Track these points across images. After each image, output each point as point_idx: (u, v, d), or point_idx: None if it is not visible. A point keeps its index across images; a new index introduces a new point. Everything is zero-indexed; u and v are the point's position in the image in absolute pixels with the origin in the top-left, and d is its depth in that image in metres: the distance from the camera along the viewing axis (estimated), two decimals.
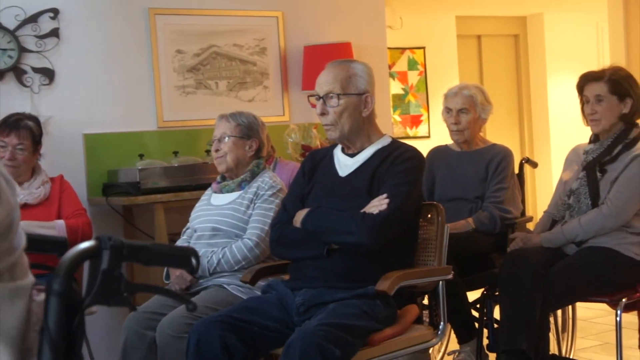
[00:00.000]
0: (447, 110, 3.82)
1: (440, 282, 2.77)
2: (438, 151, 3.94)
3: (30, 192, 3.58)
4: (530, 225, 3.98)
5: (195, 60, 4.59)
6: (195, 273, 2.94)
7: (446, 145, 3.96)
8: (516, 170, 3.90)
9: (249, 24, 4.75)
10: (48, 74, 4.19)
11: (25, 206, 3.56)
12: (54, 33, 4.21)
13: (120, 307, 1.23)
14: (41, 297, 1.31)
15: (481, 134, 3.92)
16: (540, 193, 7.44)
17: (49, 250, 1.67)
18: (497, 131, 7.06)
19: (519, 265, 3.11)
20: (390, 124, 5.49)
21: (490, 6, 7.17)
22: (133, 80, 4.42)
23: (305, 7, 4.96)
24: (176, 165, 4.21)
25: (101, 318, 4.11)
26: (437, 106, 6.40)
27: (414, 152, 2.73)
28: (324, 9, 5.02)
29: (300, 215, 2.69)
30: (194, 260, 1.26)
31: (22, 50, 4.13)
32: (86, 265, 1.27)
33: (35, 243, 1.67)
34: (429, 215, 2.85)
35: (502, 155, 3.73)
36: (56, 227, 3.48)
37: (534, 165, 4.16)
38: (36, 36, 4.17)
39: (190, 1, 4.59)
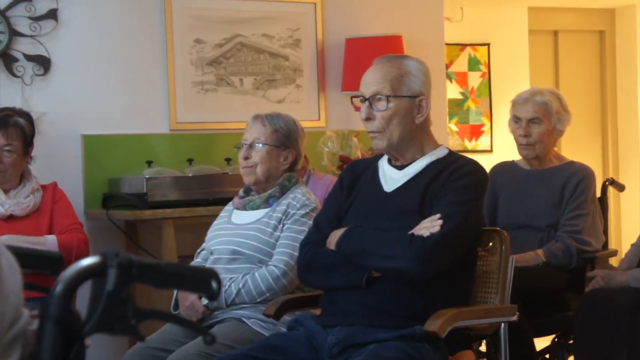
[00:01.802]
0: (516, 119, 3.81)
1: (502, 324, 2.76)
2: (503, 168, 3.93)
3: (18, 201, 3.64)
4: (614, 261, 3.94)
5: (216, 52, 4.64)
6: (216, 299, 2.96)
7: (513, 161, 3.94)
8: (598, 194, 3.88)
9: (281, 10, 4.80)
10: (43, 63, 4.27)
11: (11, 218, 3.61)
12: (52, 15, 4.29)
13: (124, 337, 1.25)
14: (35, 324, 1.34)
15: (555, 149, 3.91)
16: (627, 222, 7.36)
17: (40, 267, 1.70)
18: (575, 146, 7.01)
19: (600, 309, 3.09)
20: (445, 135, 5.49)
21: None
22: (142, 74, 4.48)
23: None
24: (190, 175, 4.25)
25: (96, 351, 4.13)
26: (502, 115, 6.38)
27: (475, 166, 2.73)
28: None
29: (335, 236, 2.70)
30: (214, 284, 1.28)
31: (14, 33, 4.21)
32: (84, 287, 1.29)
33: (25, 259, 1.70)
34: (491, 244, 2.84)
35: (581, 175, 3.71)
36: (46, 243, 3.52)
37: (620, 188, 4.12)
38: (30, 18, 4.25)
39: None
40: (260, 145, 3.18)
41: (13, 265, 1.34)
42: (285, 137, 3.20)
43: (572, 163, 3.82)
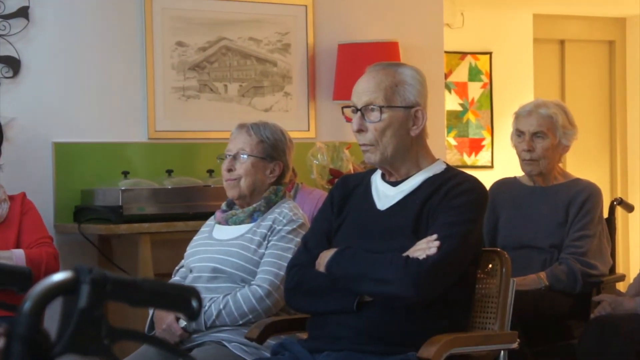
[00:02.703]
0: (519, 133, 3.83)
1: (502, 352, 2.76)
2: (504, 185, 3.95)
3: None
4: (622, 286, 3.96)
5: (200, 55, 4.65)
6: (196, 319, 2.96)
7: (515, 177, 3.96)
8: (605, 214, 3.89)
9: (269, 13, 4.81)
10: (12, 65, 4.26)
11: None
12: (22, 13, 4.29)
13: (96, 359, 1.24)
14: (1, 342, 1.34)
15: (560, 165, 3.92)
16: (636, 245, 7.39)
17: (7, 283, 1.70)
18: (581, 163, 7.04)
19: (606, 337, 3.10)
20: (443, 149, 5.51)
21: (578, 4, 7.19)
22: (119, 78, 4.48)
23: None
24: (169, 187, 4.25)
25: None
26: (504, 128, 6.41)
27: (474, 183, 2.74)
28: None
29: (325, 257, 2.70)
30: (195, 303, 1.28)
31: None
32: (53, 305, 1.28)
33: None
34: (490, 266, 2.85)
35: (587, 193, 3.73)
36: (13, 258, 3.51)
37: (629, 208, 4.14)
38: None
39: None
40: (245, 156, 3.19)
41: None
42: (272, 148, 3.21)
43: (578, 180, 3.83)
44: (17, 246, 3.62)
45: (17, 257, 3.53)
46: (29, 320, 1.23)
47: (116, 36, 4.48)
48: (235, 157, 3.20)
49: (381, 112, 2.71)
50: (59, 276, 1.25)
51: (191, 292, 1.30)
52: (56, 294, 1.25)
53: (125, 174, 4.27)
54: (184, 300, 1.30)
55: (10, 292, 3.11)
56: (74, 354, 1.25)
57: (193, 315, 1.29)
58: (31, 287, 1.28)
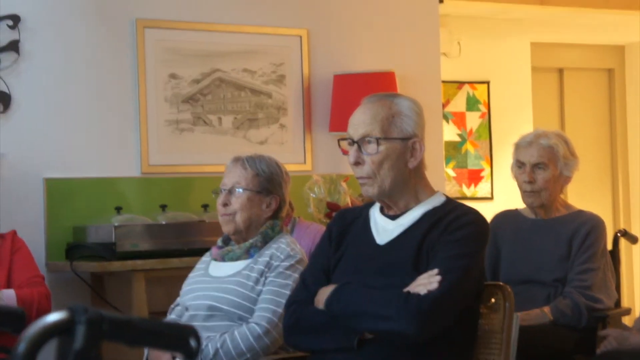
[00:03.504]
0: (519, 164, 3.84)
1: None
2: (505, 217, 3.95)
3: None
4: (628, 320, 3.95)
5: (193, 88, 4.67)
6: (194, 359, 2.94)
7: (516, 209, 3.96)
8: (609, 247, 3.89)
9: (264, 44, 4.84)
10: (2, 99, 4.28)
11: None
12: (13, 47, 4.31)
13: None
14: None
15: (562, 196, 3.93)
16: None
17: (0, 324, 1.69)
18: (583, 194, 7.05)
19: None
20: (442, 180, 5.52)
21: (576, 32, 7.24)
22: (112, 112, 4.49)
23: (336, 24, 5.05)
24: (163, 222, 4.24)
25: None
26: (503, 158, 6.42)
27: (475, 215, 2.74)
28: (360, 28, 5.10)
29: (324, 294, 2.69)
30: (193, 343, 1.28)
31: None
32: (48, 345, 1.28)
33: None
34: (493, 300, 2.84)
35: (590, 225, 3.73)
36: (3, 298, 3.50)
37: (633, 240, 4.14)
38: None
39: (189, 12, 4.69)
40: (241, 190, 3.18)
41: None
42: (268, 181, 3.21)
43: (580, 212, 3.84)
44: (8, 286, 3.61)
45: (7, 297, 3.52)
46: None
47: (108, 69, 4.50)
48: (230, 192, 3.20)
49: (378, 144, 2.71)
50: (53, 316, 1.25)
51: (189, 332, 1.30)
52: (51, 335, 1.25)
53: (118, 209, 4.27)
54: (182, 339, 1.30)
55: (3, 333, 3.10)
56: None
57: (192, 355, 1.29)
58: (25, 328, 1.28)
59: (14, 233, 3.80)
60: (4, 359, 1.20)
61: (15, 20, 4.31)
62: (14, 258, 3.69)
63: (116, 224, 4.12)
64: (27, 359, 1.23)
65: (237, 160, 3.25)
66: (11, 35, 4.31)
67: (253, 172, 3.20)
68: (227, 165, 3.27)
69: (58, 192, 4.33)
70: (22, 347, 1.23)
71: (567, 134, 4.06)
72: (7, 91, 4.29)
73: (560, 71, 7.55)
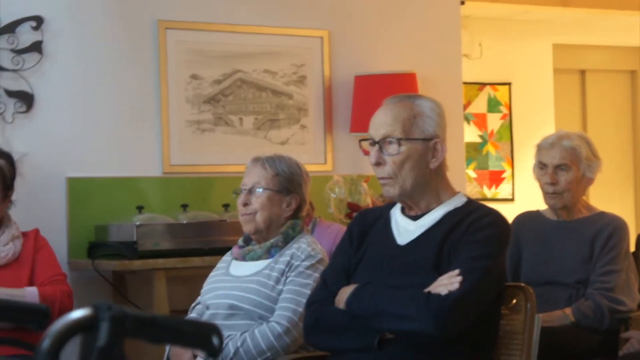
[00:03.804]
0: (541, 165, 3.83)
1: None
2: (527, 219, 3.94)
3: None
4: None
5: (214, 88, 4.68)
6: (217, 356, 2.95)
7: (538, 211, 3.95)
8: (632, 248, 3.87)
9: (285, 45, 4.85)
10: (26, 100, 4.30)
11: None
12: (36, 47, 4.33)
13: None
14: None
15: (584, 198, 3.91)
16: None
17: (24, 321, 1.70)
18: (605, 195, 7.02)
19: None
20: (463, 181, 5.51)
21: (598, 34, 7.21)
22: (133, 112, 4.51)
23: (358, 25, 5.05)
24: (184, 222, 4.26)
25: None
26: (524, 160, 6.40)
27: (496, 216, 2.73)
28: (382, 29, 5.10)
29: (344, 294, 2.70)
30: (215, 340, 1.29)
31: None
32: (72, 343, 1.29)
33: (7, 312, 1.70)
34: (514, 301, 2.84)
35: (612, 227, 3.71)
36: (26, 296, 3.52)
37: None
38: (13, 50, 4.30)
39: (211, 13, 4.70)
40: (261, 190, 3.19)
41: None
42: (288, 181, 3.22)
43: (603, 214, 3.82)
44: (30, 284, 3.63)
45: (30, 295, 3.54)
46: (47, 359, 1.23)
47: (130, 70, 4.52)
48: (250, 191, 3.21)
49: (399, 145, 2.71)
50: (77, 313, 1.26)
51: (212, 329, 1.31)
52: (75, 331, 1.25)
53: (140, 208, 4.29)
54: (205, 337, 1.31)
55: (24, 330, 3.12)
56: None
57: (214, 352, 1.29)
58: (48, 325, 1.29)
59: (37, 232, 3.82)
60: (27, 355, 1.21)
61: (38, 21, 4.34)
62: (37, 256, 3.71)
63: (138, 223, 4.14)
64: (51, 355, 1.24)
65: (257, 160, 3.26)
66: (35, 37, 4.34)
67: (273, 171, 3.21)
68: (247, 166, 3.28)
69: (80, 191, 4.36)
70: (46, 343, 1.24)
71: (589, 135, 4.04)
72: (30, 91, 4.31)
73: (583, 73, 7.52)
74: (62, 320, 1.26)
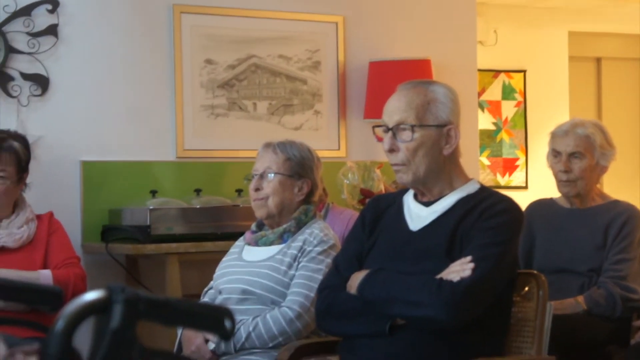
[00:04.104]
0: (555, 153, 3.82)
1: None
2: (540, 206, 3.93)
3: (10, 232, 3.66)
4: None
5: (229, 73, 4.68)
6: (230, 339, 2.97)
7: (551, 199, 3.94)
8: None
9: (299, 30, 4.84)
10: (41, 83, 4.31)
11: (2, 250, 3.64)
12: (51, 31, 4.34)
13: None
14: None
15: (598, 186, 3.90)
16: None
17: (38, 303, 1.71)
18: (619, 183, 6.99)
19: None
20: (476, 169, 5.50)
21: (614, 21, 7.17)
22: (148, 96, 4.52)
23: (373, 11, 5.04)
24: (198, 206, 4.27)
25: None
26: (538, 148, 6.39)
27: (509, 203, 2.73)
28: (396, 15, 5.09)
29: (356, 279, 2.70)
30: (228, 323, 1.29)
31: (10, 50, 4.27)
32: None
33: (21, 293, 1.71)
34: (526, 289, 2.84)
35: (626, 215, 3.70)
36: (40, 279, 3.54)
37: None
38: (29, 34, 4.31)
39: None
40: (272, 175, 3.20)
41: None
42: (299, 166, 3.22)
43: (616, 202, 3.81)
44: (44, 266, 3.65)
45: (43, 277, 3.56)
46: (61, 340, 1.24)
47: (145, 54, 4.52)
48: (262, 176, 3.22)
49: (413, 132, 2.71)
50: (91, 295, 1.26)
51: (224, 312, 1.31)
52: (88, 313, 1.26)
53: (153, 193, 4.30)
54: (217, 320, 1.31)
55: (38, 312, 3.14)
56: None
57: (226, 335, 1.30)
58: (62, 307, 1.30)
59: (51, 215, 3.84)
60: (41, 337, 1.21)
61: (54, 4, 4.35)
62: (51, 239, 3.73)
63: (151, 207, 4.15)
64: (65, 336, 1.25)
65: (268, 145, 3.26)
66: (50, 20, 4.34)
67: (284, 156, 3.22)
68: (259, 151, 3.28)
69: (94, 174, 4.37)
70: (60, 324, 1.25)
71: (604, 124, 4.03)
72: (45, 75, 4.32)
73: (598, 60, 7.49)
74: (75, 301, 1.27)
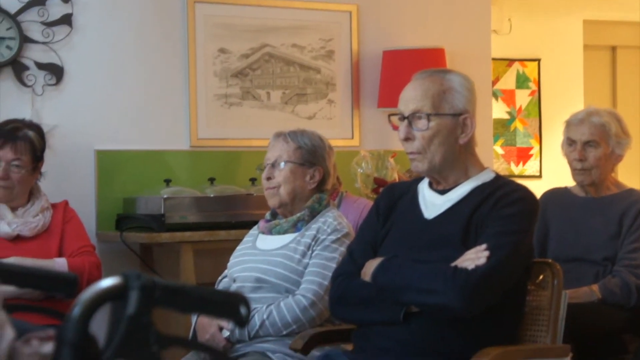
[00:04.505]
0: (570, 142, 3.81)
1: None
2: (555, 195, 3.92)
3: (26, 220, 3.68)
4: None
5: (242, 62, 4.68)
6: (245, 326, 2.98)
7: (566, 187, 3.93)
8: None
9: (313, 19, 4.83)
10: (55, 72, 4.32)
11: (18, 238, 3.65)
12: (66, 20, 4.35)
13: None
14: (48, 347, 1.36)
15: (613, 174, 3.89)
16: None
17: (53, 289, 1.72)
18: (634, 172, 6.97)
19: None
20: (491, 158, 5.49)
21: (630, 9, 7.13)
22: (162, 86, 4.53)
23: (386, 0, 5.03)
24: (211, 195, 4.27)
25: None
26: (552, 137, 6.37)
27: (525, 192, 2.73)
28: (410, 3, 5.08)
29: (370, 267, 2.70)
30: (243, 310, 1.29)
31: (25, 40, 4.28)
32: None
33: (38, 280, 1.72)
34: (541, 277, 2.84)
35: None
36: (55, 267, 3.56)
37: None
38: (43, 23, 4.32)
39: None
40: (283, 163, 3.21)
41: None
42: (310, 153, 3.23)
43: (631, 191, 3.80)
44: (59, 255, 3.67)
45: (59, 265, 3.58)
46: (77, 326, 1.24)
47: (159, 43, 4.52)
48: (273, 166, 3.23)
49: (429, 120, 2.70)
50: (107, 282, 1.27)
51: (239, 299, 1.31)
52: (105, 299, 1.26)
53: (167, 182, 4.31)
54: (233, 306, 1.31)
55: (54, 300, 3.14)
56: None
57: (242, 321, 1.30)
58: (77, 294, 1.30)
59: (66, 203, 3.85)
60: (56, 325, 1.21)
61: None
62: (66, 228, 3.74)
63: (165, 196, 4.16)
64: (82, 322, 1.25)
65: (279, 135, 3.27)
66: (64, 9, 4.35)
67: (295, 145, 3.22)
68: (270, 141, 3.30)
69: (109, 163, 4.38)
70: (76, 310, 1.25)
71: (619, 112, 4.01)
72: (60, 64, 4.33)
73: (613, 49, 7.45)
74: (92, 288, 1.27)
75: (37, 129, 3.80)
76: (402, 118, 2.74)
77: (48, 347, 1.33)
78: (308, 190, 3.23)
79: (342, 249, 3.08)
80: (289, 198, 3.21)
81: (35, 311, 1.76)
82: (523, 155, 6.96)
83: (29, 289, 2.95)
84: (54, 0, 4.33)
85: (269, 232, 3.25)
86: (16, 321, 1.48)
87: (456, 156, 2.74)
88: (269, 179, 3.23)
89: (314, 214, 3.21)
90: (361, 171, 4.56)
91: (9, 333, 1.36)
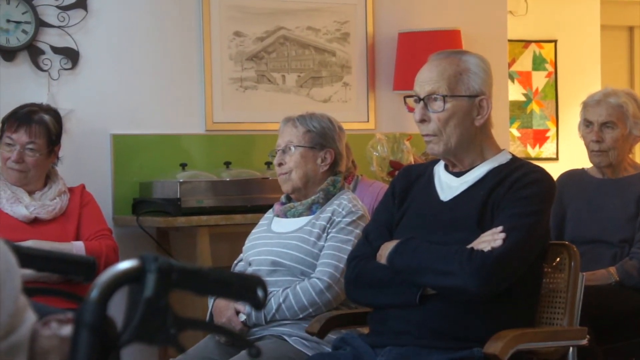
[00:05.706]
0: (587, 123, 3.79)
1: (571, 348, 2.75)
2: (572, 177, 3.91)
3: (43, 204, 3.70)
4: None
5: (257, 46, 4.68)
6: (262, 308, 2.99)
7: (583, 169, 3.92)
8: None
9: (328, 2, 4.83)
10: (71, 56, 4.33)
11: (35, 221, 3.67)
12: (81, 4, 4.35)
13: (158, 348, 1.27)
14: (66, 329, 1.37)
15: (630, 156, 3.87)
16: None
17: (72, 272, 1.73)
18: None
19: None
20: (507, 140, 5.47)
21: None
22: (177, 69, 4.53)
23: None
24: (227, 179, 4.28)
25: None
26: (569, 118, 6.34)
27: (541, 173, 2.72)
28: None
29: (386, 249, 2.70)
30: (260, 292, 1.30)
31: (40, 24, 4.29)
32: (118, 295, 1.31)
33: (56, 263, 1.73)
34: (558, 259, 2.83)
35: None
36: (73, 250, 3.58)
37: None
38: (58, 7, 4.32)
39: None
40: (294, 148, 3.21)
41: (12, 268, 1.36)
42: (320, 136, 3.23)
43: None
44: (77, 238, 3.69)
45: (76, 249, 3.60)
46: (95, 309, 1.26)
47: (174, 27, 4.53)
48: (284, 151, 3.24)
49: (444, 102, 2.70)
50: (125, 265, 1.28)
51: (257, 282, 1.32)
52: (123, 282, 1.28)
53: (183, 166, 4.32)
54: (250, 289, 1.32)
55: (72, 283, 3.16)
56: (141, 343, 1.27)
57: (259, 304, 1.31)
58: (95, 277, 1.31)
59: (83, 187, 3.87)
60: (74, 308, 1.22)
61: None
62: (83, 211, 3.76)
63: (181, 180, 4.17)
64: (100, 305, 1.26)
65: (288, 120, 3.28)
66: None
67: (304, 129, 3.23)
68: (280, 127, 3.30)
69: (125, 148, 4.39)
70: (94, 293, 1.26)
71: (637, 93, 3.99)
72: (75, 48, 4.34)
73: (631, 29, 7.40)
74: (109, 271, 1.28)
75: (54, 113, 3.81)
76: (418, 100, 2.74)
77: (67, 330, 1.35)
78: (321, 174, 3.23)
79: (358, 231, 3.09)
80: (301, 182, 3.21)
81: (53, 294, 1.77)
82: (539, 138, 6.93)
83: (47, 273, 2.96)
84: None
85: (284, 215, 3.25)
86: (35, 304, 1.49)
87: (472, 138, 2.74)
88: (280, 164, 3.24)
89: (328, 196, 3.22)
90: (377, 154, 4.56)
91: (31, 316, 1.37)
